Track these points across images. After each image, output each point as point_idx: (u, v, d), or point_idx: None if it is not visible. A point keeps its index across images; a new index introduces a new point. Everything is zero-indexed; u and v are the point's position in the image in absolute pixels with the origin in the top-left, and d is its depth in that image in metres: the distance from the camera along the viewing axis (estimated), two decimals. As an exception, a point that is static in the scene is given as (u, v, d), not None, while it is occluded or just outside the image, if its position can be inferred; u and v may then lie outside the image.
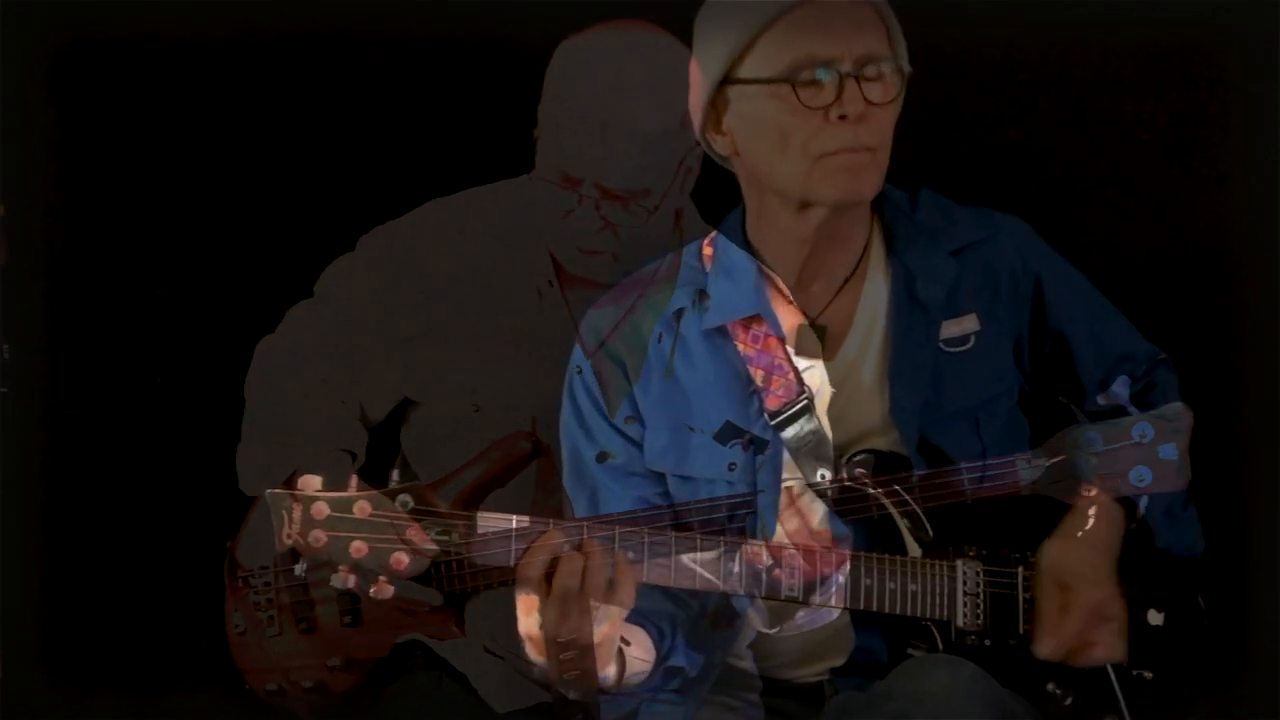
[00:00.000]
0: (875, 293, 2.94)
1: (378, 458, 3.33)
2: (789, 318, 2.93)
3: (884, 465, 2.84)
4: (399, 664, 3.20)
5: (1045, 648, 2.78)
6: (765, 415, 2.89)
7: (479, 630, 3.23)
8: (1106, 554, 2.79)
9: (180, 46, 3.68)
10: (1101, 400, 2.95)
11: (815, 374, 2.92)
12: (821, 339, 2.92)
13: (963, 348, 2.93)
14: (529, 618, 2.70)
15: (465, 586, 3.10)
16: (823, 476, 2.85)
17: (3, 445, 3.51)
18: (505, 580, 2.96)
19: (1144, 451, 2.81)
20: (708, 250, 2.99)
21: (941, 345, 2.92)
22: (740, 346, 2.92)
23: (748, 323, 2.93)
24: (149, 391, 3.75)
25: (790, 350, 2.91)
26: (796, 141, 2.81)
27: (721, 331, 2.94)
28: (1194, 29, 3.58)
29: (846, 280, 2.93)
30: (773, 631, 2.92)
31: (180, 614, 3.64)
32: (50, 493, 3.64)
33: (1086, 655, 2.77)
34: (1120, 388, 2.93)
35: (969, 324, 2.93)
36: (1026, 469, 2.82)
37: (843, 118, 2.78)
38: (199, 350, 3.75)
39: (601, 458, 2.96)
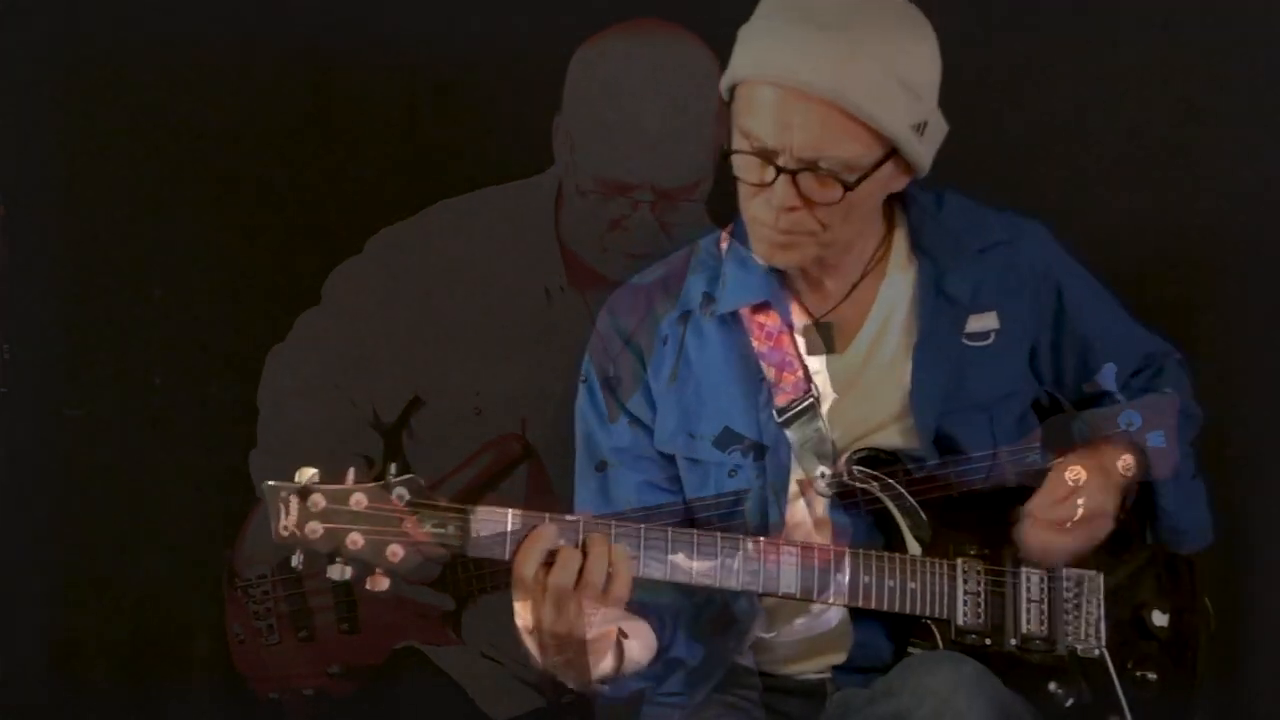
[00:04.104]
0: (896, 288, 2.93)
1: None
2: (799, 313, 2.93)
3: (884, 465, 2.84)
4: (397, 671, 3.20)
5: (1034, 508, 2.79)
6: (774, 410, 2.89)
7: (476, 636, 3.23)
8: (1117, 492, 2.82)
9: (182, 46, 3.68)
10: (1086, 388, 2.95)
11: (821, 378, 2.92)
12: (828, 336, 2.92)
13: (983, 343, 2.93)
14: (525, 614, 2.69)
15: (475, 589, 3.10)
16: (822, 475, 2.85)
17: (3, 445, 3.51)
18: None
19: (1131, 440, 2.81)
20: (724, 241, 2.99)
21: (964, 339, 2.93)
22: (755, 342, 2.92)
23: (761, 317, 2.92)
24: (149, 391, 3.75)
25: (800, 346, 2.91)
26: (741, 191, 2.82)
27: (736, 321, 2.93)
28: (1195, 29, 3.58)
29: (863, 275, 2.93)
30: (769, 636, 2.92)
31: (180, 615, 3.64)
32: (50, 493, 3.64)
33: (1050, 549, 2.80)
34: (1106, 374, 2.93)
35: (990, 321, 2.94)
36: (1011, 462, 2.83)
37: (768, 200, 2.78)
38: (199, 350, 3.74)
39: (601, 467, 2.95)
